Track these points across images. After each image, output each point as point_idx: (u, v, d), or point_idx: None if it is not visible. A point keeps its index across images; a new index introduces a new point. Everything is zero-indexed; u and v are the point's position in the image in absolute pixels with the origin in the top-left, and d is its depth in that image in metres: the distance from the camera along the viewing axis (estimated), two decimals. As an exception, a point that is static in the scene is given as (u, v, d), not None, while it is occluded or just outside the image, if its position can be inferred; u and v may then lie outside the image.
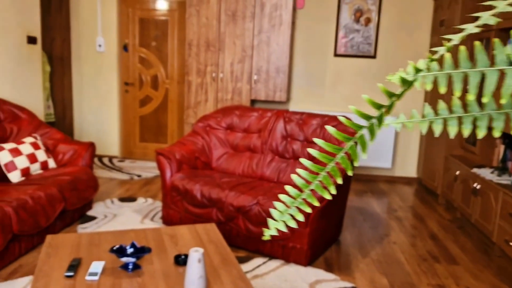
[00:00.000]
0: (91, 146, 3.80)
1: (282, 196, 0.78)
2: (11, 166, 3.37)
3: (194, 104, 5.11)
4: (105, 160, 5.66)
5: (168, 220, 3.56)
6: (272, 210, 0.79)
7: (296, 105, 5.48)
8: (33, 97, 4.60)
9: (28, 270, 2.81)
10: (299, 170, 0.76)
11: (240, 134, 3.91)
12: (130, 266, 2.05)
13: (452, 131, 0.70)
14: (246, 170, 3.74)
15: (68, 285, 1.91)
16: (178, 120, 5.73)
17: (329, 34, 5.30)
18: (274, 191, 3.24)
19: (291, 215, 0.78)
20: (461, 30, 4.04)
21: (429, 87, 0.67)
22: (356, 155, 0.73)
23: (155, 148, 5.84)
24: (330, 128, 0.73)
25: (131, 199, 4.25)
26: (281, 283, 2.76)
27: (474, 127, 0.69)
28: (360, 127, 0.71)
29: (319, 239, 3.10)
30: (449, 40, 0.68)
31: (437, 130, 0.70)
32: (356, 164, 0.75)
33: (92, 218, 3.71)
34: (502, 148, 3.84)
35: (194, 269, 1.80)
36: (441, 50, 0.67)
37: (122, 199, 4.22)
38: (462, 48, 0.68)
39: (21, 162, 3.43)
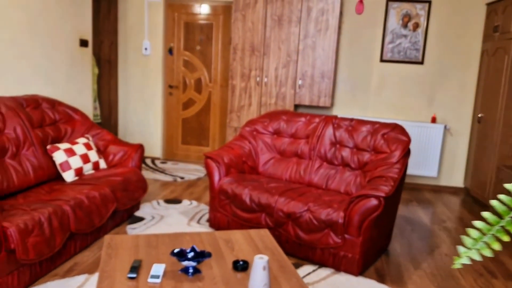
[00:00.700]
0: (140, 148, 3.86)
1: (476, 223, 0.72)
2: (66, 165, 3.46)
3: (237, 108, 5.13)
4: (148, 161, 5.75)
5: (215, 223, 3.57)
6: (464, 238, 0.72)
7: (339, 111, 5.42)
8: (83, 99, 4.72)
9: (83, 268, 2.87)
10: (501, 196, 0.71)
11: (287, 139, 3.89)
12: (191, 270, 2.05)
13: None
14: (294, 176, 3.71)
15: (131, 287, 1.93)
16: (220, 124, 5.76)
17: (375, 39, 5.22)
18: (323, 198, 3.20)
19: (486, 243, 0.70)
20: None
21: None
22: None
23: (197, 151, 5.89)
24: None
25: (176, 201, 4.29)
26: (333, 293, 2.71)
27: None
28: None
29: (370, 248, 3.03)
30: None
31: None
32: None
33: (140, 219, 3.76)
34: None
35: (259, 277, 1.78)
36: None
37: (168, 201, 4.26)
38: None
39: (75, 162, 3.51)
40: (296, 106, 5.26)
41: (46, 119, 3.61)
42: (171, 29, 5.69)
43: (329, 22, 4.80)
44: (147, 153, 5.97)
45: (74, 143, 3.62)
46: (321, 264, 3.07)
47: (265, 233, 2.61)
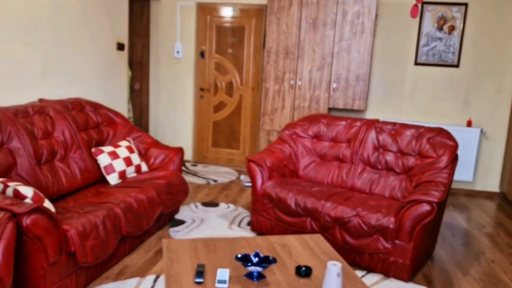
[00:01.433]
0: (181, 151, 3.88)
1: None
2: (110, 168, 3.49)
3: (270, 111, 5.13)
4: (179, 164, 5.77)
5: (257, 227, 3.57)
6: None
7: (372, 114, 5.38)
8: (119, 101, 4.76)
9: (134, 271, 2.88)
10: None
11: (327, 143, 3.87)
12: (256, 275, 2.05)
13: None
14: (335, 180, 3.69)
15: (200, 292, 1.93)
16: (251, 127, 5.77)
17: (409, 42, 5.18)
18: (369, 203, 3.17)
19: None
20: None
21: None
22: None
23: (227, 154, 5.90)
24: None
25: (213, 204, 4.30)
26: (385, 299, 2.69)
27: None
28: None
29: (420, 254, 3.00)
30: None
31: None
32: None
33: (181, 222, 3.78)
34: None
35: (333, 283, 1.77)
36: None
37: (205, 204, 4.27)
38: None
39: (119, 165, 3.54)
40: (330, 109, 5.24)
41: (90, 122, 3.65)
42: (203, 32, 5.71)
43: (365, 25, 4.78)
44: (177, 155, 5.99)
45: (117, 146, 3.65)
46: (369, 269, 3.05)
47: (319, 238, 2.60)
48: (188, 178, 5.16)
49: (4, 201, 2.15)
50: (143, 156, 3.88)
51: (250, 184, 5.03)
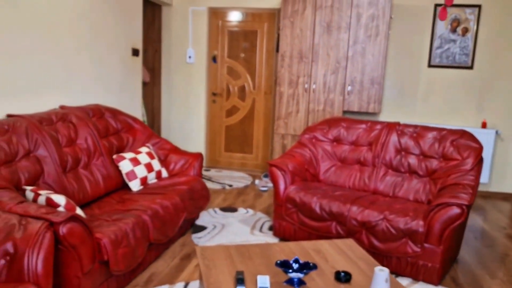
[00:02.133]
0: (201, 156, 3.86)
1: None
2: (131, 175, 3.47)
3: (285, 115, 5.12)
4: (192, 169, 5.75)
5: (280, 232, 3.55)
6: None
7: (386, 117, 5.38)
8: (133, 107, 4.75)
9: (162, 279, 2.86)
10: None
11: (347, 146, 3.86)
12: (297, 282, 2.03)
13: None
14: (357, 184, 3.68)
15: (242, 299, 1.91)
16: (263, 131, 5.76)
17: (423, 44, 5.18)
18: (395, 206, 3.16)
19: None
20: None
21: None
22: None
23: (240, 158, 5.88)
24: None
25: (232, 209, 4.28)
26: (418, 303, 2.67)
27: None
28: None
29: (448, 257, 2.99)
30: None
31: None
32: None
33: (202, 227, 3.76)
34: None
35: (381, 289, 1.76)
36: None
37: (223, 209, 4.26)
38: None
39: (140, 171, 3.52)
40: (344, 112, 5.23)
41: (110, 129, 3.64)
42: (215, 37, 5.71)
43: (379, 28, 4.78)
44: (190, 160, 5.97)
45: (137, 152, 3.64)
46: (397, 273, 3.03)
47: (351, 242, 2.59)
48: (203, 183, 5.14)
49: (40, 210, 2.13)
50: (163, 162, 3.86)
51: (265, 188, 5.01)
